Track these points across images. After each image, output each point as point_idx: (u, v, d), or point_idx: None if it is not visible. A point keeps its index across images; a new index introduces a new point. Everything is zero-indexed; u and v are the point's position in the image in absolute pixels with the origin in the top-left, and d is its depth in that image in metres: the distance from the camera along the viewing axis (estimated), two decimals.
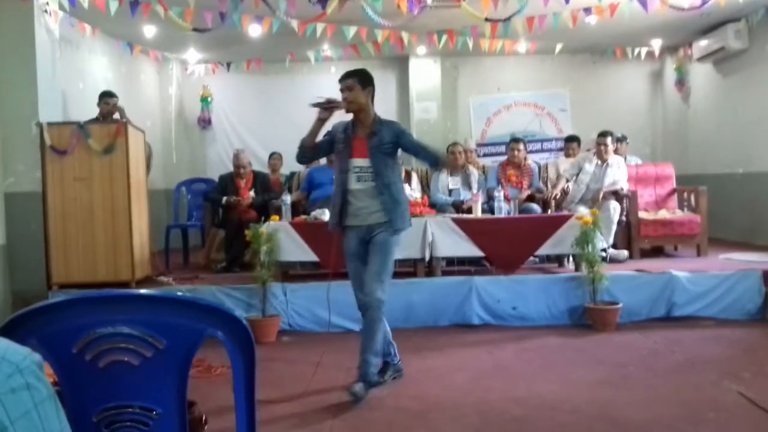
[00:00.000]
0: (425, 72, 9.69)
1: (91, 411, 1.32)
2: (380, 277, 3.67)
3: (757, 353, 4.47)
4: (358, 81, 3.72)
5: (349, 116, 3.84)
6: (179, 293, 1.20)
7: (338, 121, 3.89)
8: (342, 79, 3.75)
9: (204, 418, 1.43)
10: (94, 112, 6.37)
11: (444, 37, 7.73)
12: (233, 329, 1.36)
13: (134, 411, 1.30)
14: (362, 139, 3.74)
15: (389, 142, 3.73)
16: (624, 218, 6.47)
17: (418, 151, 3.84)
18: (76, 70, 7.18)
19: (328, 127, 3.91)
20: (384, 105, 9.68)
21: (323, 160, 6.50)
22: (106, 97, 6.31)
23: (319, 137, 3.88)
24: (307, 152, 3.83)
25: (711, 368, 4.10)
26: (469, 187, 6.59)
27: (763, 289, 5.38)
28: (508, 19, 6.58)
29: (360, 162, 3.72)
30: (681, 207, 7.07)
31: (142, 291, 1.29)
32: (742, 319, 5.32)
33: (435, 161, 3.95)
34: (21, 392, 0.54)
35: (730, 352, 4.52)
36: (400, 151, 3.85)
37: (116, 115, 6.26)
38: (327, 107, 3.69)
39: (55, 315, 1.30)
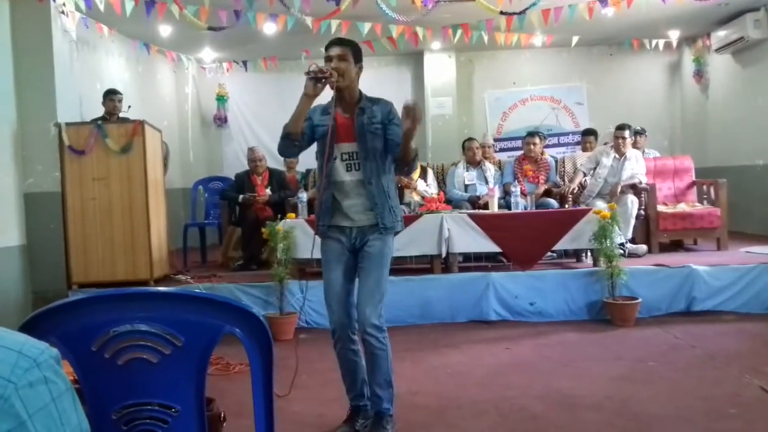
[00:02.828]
0: (440, 67, 9.67)
1: (110, 408, 1.33)
2: (375, 297, 2.99)
3: None
4: (352, 52, 3.02)
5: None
6: (197, 290, 1.21)
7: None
8: (333, 46, 3.02)
9: (222, 415, 1.44)
10: None
11: (459, 32, 7.70)
12: (251, 326, 1.36)
13: (153, 408, 1.30)
14: (349, 119, 3.04)
15: (380, 122, 3.04)
16: (642, 212, 6.41)
17: (400, 145, 3.01)
18: (94, 71, 7.25)
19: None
20: (399, 101, 9.66)
21: None
22: (111, 94, 6.35)
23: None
24: (296, 139, 2.97)
25: (732, 363, 4.05)
26: (486, 182, 6.56)
27: None
28: (523, 12, 6.55)
29: (347, 147, 3.04)
30: (700, 200, 6.99)
31: (161, 288, 1.29)
32: (763, 313, 5.25)
33: (408, 165, 3.10)
34: (39, 386, 0.54)
35: (752, 347, 4.47)
36: None
37: (122, 113, 6.30)
38: (317, 78, 2.90)
39: (74, 313, 1.31)
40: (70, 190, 5.60)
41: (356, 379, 3.14)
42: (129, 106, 6.51)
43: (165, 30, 7.42)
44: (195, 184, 8.22)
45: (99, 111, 6.44)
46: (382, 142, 3.04)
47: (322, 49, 3.10)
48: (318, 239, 3.15)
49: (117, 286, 5.52)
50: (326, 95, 3.04)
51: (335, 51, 2.99)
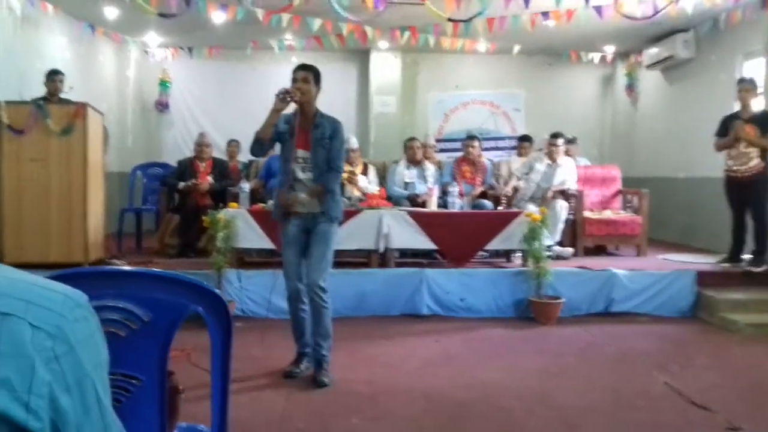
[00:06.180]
0: (386, 66, 9.84)
1: None
2: (321, 265, 3.81)
3: (686, 348, 4.78)
4: (313, 76, 3.84)
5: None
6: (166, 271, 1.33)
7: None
8: (299, 70, 3.85)
9: (180, 387, 1.56)
10: None
11: (406, 33, 7.88)
12: (212, 304, 1.50)
13: (117, 377, 1.42)
14: (305, 131, 3.84)
15: (328, 137, 3.84)
16: (571, 216, 6.74)
17: (335, 164, 3.89)
18: (35, 49, 7.09)
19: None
20: (344, 97, 9.84)
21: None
22: (54, 74, 6.22)
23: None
24: (265, 144, 3.84)
25: (643, 360, 4.38)
26: (425, 181, 6.76)
27: (695, 288, 5.71)
28: (469, 20, 6.76)
29: (302, 153, 3.86)
30: (625, 208, 7.39)
31: (131, 268, 1.41)
32: (674, 316, 5.64)
33: (333, 185, 3.93)
34: (82, 322, 0.69)
35: (662, 346, 4.82)
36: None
37: (63, 94, 6.20)
38: (284, 98, 3.73)
39: None
40: (6, 170, 5.48)
41: (303, 332, 3.97)
42: (71, 87, 6.41)
43: (111, 12, 7.32)
44: (134, 169, 8.13)
45: (38, 90, 6.32)
46: (327, 152, 3.86)
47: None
48: (278, 223, 4.00)
49: (50, 268, 5.45)
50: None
51: (300, 74, 3.82)
